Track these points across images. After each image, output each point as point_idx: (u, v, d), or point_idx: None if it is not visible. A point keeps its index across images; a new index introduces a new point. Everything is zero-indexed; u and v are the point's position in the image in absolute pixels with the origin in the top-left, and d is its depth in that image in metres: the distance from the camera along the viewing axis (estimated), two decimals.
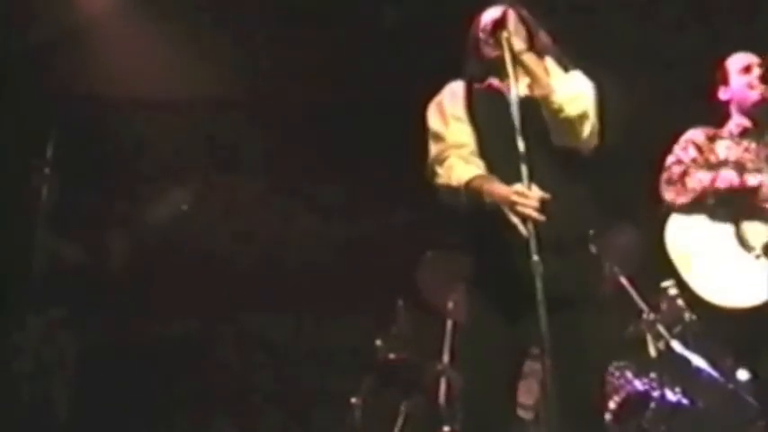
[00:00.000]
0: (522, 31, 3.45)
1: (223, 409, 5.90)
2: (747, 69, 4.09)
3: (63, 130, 4.99)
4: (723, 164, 3.99)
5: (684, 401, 4.52)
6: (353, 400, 5.21)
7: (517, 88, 3.28)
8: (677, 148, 4.11)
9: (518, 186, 3.20)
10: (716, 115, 4.22)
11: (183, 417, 5.72)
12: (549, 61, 3.47)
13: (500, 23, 3.37)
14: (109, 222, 5.92)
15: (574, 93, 3.34)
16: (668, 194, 4.02)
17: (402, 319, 5.28)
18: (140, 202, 6.12)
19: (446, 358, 5.04)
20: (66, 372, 5.01)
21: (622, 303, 4.87)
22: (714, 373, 4.56)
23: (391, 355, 5.22)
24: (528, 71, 3.33)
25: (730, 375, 4.54)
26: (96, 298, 5.33)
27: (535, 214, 3.16)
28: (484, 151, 3.44)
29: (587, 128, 3.34)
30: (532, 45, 3.45)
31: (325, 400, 5.75)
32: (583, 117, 3.32)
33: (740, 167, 3.98)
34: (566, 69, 3.48)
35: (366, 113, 5.66)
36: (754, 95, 4.04)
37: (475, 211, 3.33)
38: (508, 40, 3.32)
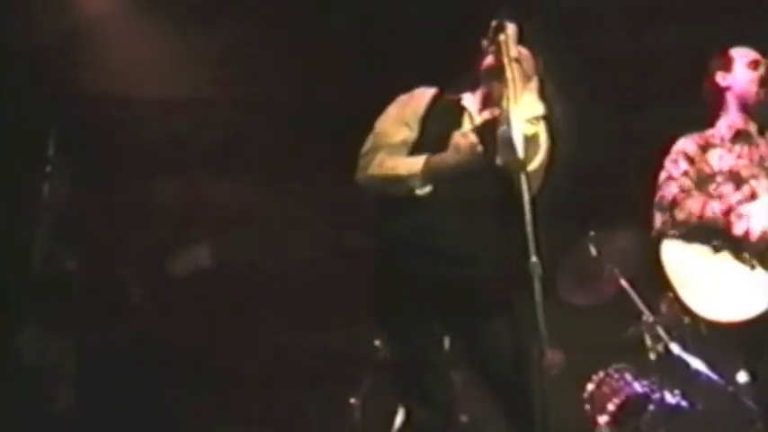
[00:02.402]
0: (526, 55, 3.56)
1: (222, 408, 5.91)
2: (755, 65, 4.03)
3: (63, 129, 4.99)
4: (717, 175, 3.94)
5: (683, 404, 4.52)
6: (353, 400, 5.22)
7: (515, 89, 3.34)
8: (668, 162, 4.04)
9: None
10: (708, 109, 4.17)
11: (183, 417, 5.72)
12: (534, 85, 3.56)
13: (500, 27, 3.46)
14: (109, 221, 5.90)
15: (534, 115, 3.42)
16: (657, 221, 3.97)
17: None
18: (141, 200, 6.12)
19: None
20: (68, 373, 5.01)
21: (622, 305, 4.88)
22: (713, 376, 4.55)
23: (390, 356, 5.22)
24: (509, 77, 3.39)
25: (729, 378, 4.53)
26: (97, 297, 5.33)
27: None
28: (418, 151, 3.53)
29: (535, 160, 3.39)
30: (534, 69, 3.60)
31: (324, 400, 5.76)
32: (533, 140, 3.36)
33: (735, 177, 3.94)
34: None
35: (368, 113, 5.66)
36: (756, 94, 4.00)
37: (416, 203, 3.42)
38: (505, 42, 3.42)
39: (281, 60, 5.90)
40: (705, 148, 4.01)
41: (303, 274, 6.23)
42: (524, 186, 3.16)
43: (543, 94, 3.55)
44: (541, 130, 3.44)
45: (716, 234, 3.83)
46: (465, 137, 3.45)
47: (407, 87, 3.75)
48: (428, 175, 3.44)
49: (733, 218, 3.80)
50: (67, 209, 5.25)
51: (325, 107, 6.10)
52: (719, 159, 3.97)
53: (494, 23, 3.49)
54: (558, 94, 3.59)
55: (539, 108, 3.47)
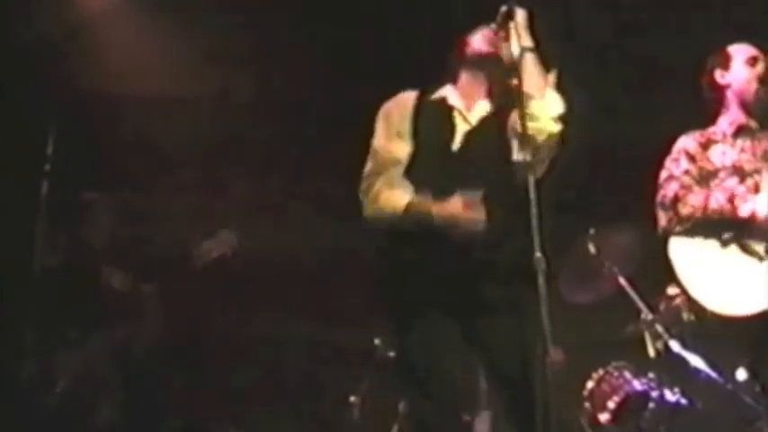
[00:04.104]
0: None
1: (221, 408, 5.90)
2: (753, 61, 4.03)
3: (63, 127, 4.98)
4: (720, 171, 3.94)
5: (683, 402, 4.52)
6: (352, 398, 5.23)
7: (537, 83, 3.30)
8: (669, 161, 4.04)
9: (461, 198, 3.26)
10: (708, 107, 4.17)
11: (183, 417, 5.72)
12: (553, 79, 3.45)
13: (510, 14, 3.37)
14: (109, 219, 5.89)
15: (557, 113, 3.36)
16: (662, 220, 3.97)
17: None
18: (141, 198, 6.12)
19: None
20: (67, 374, 5.03)
21: (621, 303, 4.88)
22: (713, 374, 4.56)
23: (390, 354, 5.23)
24: (527, 69, 3.31)
25: (729, 376, 4.54)
26: (97, 295, 5.33)
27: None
28: (418, 162, 3.48)
29: (548, 153, 3.36)
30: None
31: (323, 398, 5.76)
32: (551, 138, 3.34)
33: (739, 171, 3.94)
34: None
35: (368, 113, 5.67)
36: (755, 92, 3.99)
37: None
38: (516, 29, 3.33)
39: (282, 59, 5.91)
40: (706, 145, 4.02)
41: (302, 272, 6.24)
42: (531, 183, 3.11)
43: (560, 88, 3.44)
44: (558, 123, 3.36)
45: (722, 224, 3.83)
46: (469, 208, 3.28)
47: (409, 87, 3.74)
48: (408, 215, 3.38)
49: (738, 202, 3.81)
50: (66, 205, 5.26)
51: (325, 106, 6.11)
52: (722, 155, 3.98)
53: (503, 9, 3.38)
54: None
55: (560, 105, 3.39)
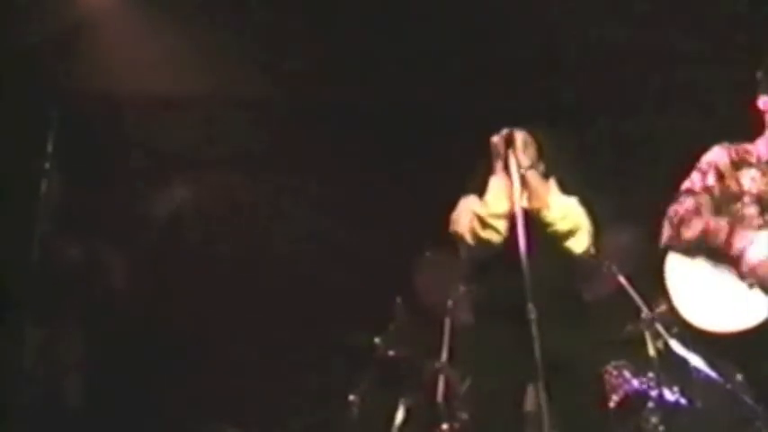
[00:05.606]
0: (532, 151, 3.95)
1: (221, 407, 5.90)
2: None
3: (63, 126, 4.99)
4: (744, 195, 3.81)
5: (682, 401, 4.54)
6: (352, 397, 5.23)
7: (520, 200, 3.76)
8: (695, 172, 3.88)
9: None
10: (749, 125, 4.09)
11: (183, 416, 5.72)
12: (553, 182, 3.99)
13: (509, 141, 3.85)
14: (108, 218, 5.90)
15: (565, 210, 3.87)
16: (665, 235, 3.90)
17: (400, 316, 5.29)
18: (141, 198, 6.12)
19: (444, 356, 5.05)
20: (67, 370, 5.03)
21: (621, 303, 4.89)
22: (712, 373, 4.57)
23: (390, 353, 5.24)
24: (528, 186, 3.83)
25: (728, 375, 4.54)
26: (96, 296, 5.34)
27: None
28: None
29: (581, 241, 3.95)
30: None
31: (323, 397, 5.77)
32: (572, 232, 3.89)
33: (763, 203, 3.80)
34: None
35: (369, 114, 5.67)
36: None
37: None
38: (514, 154, 3.81)
39: (279, 58, 5.91)
40: (739, 165, 3.85)
41: (304, 270, 6.24)
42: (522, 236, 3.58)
43: (564, 187, 3.95)
44: (572, 215, 3.90)
45: (715, 253, 3.78)
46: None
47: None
48: None
49: (735, 239, 3.70)
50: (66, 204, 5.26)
51: (319, 105, 6.11)
52: (751, 181, 3.81)
53: (503, 134, 3.84)
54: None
55: (565, 201, 3.90)
